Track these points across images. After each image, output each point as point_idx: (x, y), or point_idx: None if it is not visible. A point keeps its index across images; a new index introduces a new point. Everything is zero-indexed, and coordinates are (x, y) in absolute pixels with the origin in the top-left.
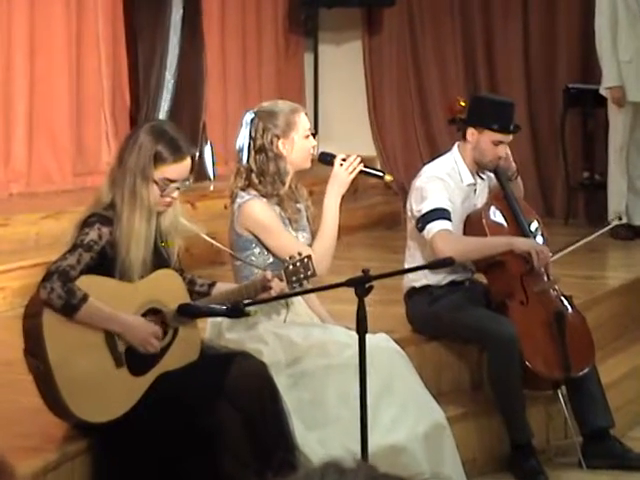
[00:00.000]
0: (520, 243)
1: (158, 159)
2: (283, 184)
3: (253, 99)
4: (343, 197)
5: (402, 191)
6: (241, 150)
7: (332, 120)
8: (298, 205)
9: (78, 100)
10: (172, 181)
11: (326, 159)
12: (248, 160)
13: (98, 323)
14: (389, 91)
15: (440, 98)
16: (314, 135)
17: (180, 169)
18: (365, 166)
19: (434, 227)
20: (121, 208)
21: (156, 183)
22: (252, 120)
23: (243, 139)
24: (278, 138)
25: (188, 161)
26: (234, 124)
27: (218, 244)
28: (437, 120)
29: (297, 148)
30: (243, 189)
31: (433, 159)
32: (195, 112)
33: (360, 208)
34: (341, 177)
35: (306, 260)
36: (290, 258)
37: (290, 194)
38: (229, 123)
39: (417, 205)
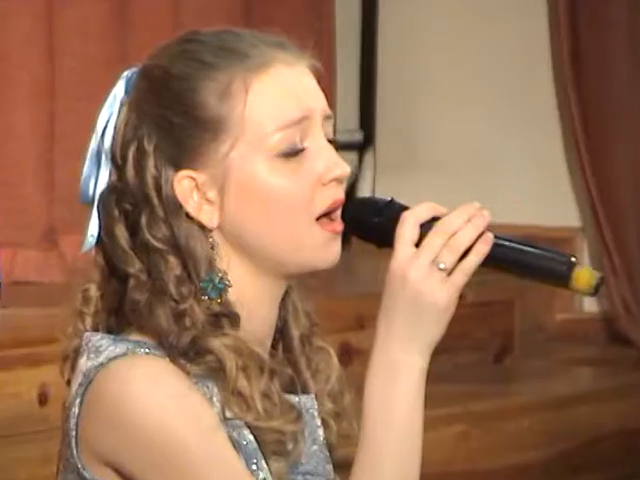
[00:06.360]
0: None
1: None
2: (221, 327)
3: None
4: (433, 362)
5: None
6: (89, 202)
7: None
8: (297, 399)
9: None
10: None
11: (367, 227)
12: (101, 242)
13: None
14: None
15: None
16: (361, 147)
17: None
18: (512, 242)
19: None
20: None
21: None
22: (120, 108)
23: (89, 170)
24: (175, 171)
25: None
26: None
27: None
28: None
29: (251, 196)
30: (102, 328)
31: None
32: None
33: None
34: (418, 288)
35: None
36: None
37: (271, 361)
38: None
39: None
